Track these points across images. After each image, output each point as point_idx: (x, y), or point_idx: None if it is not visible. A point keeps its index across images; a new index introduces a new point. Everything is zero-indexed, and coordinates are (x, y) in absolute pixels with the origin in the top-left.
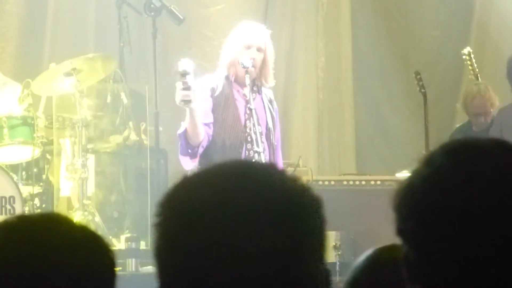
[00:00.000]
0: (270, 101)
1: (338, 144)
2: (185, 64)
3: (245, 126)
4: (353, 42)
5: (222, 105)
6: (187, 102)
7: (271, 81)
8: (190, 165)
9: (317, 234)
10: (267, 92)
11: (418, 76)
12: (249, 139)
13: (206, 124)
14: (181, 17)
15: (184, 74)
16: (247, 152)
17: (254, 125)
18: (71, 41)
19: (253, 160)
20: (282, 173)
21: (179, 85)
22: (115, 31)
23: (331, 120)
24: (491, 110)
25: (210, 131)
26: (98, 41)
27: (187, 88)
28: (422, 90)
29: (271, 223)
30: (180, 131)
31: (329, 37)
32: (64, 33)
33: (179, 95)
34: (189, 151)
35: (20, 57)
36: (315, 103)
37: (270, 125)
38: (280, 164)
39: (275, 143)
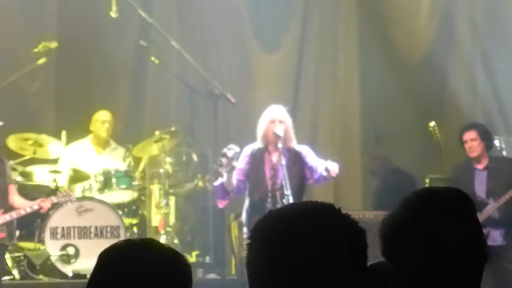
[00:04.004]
0: (297, 154)
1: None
2: (228, 148)
3: (272, 182)
4: None
5: (255, 166)
6: (220, 172)
7: (294, 143)
8: (223, 204)
9: (360, 257)
10: (297, 148)
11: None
12: (270, 194)
13: (241, 180)
14: (233, 101)
15: (222, 155)
16: (271, 199)
17: (276, 181)
18: (158, 114)
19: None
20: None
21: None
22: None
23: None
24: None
25: (243, 186)
26: (178, 117)
27: (220, 165)
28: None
29: (323, 249)
30: (217, 183)
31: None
32: (156, 108)
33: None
34: (225, 196)
35: (124, 127)
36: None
37: (300, 173)
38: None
39: (311, 170)
